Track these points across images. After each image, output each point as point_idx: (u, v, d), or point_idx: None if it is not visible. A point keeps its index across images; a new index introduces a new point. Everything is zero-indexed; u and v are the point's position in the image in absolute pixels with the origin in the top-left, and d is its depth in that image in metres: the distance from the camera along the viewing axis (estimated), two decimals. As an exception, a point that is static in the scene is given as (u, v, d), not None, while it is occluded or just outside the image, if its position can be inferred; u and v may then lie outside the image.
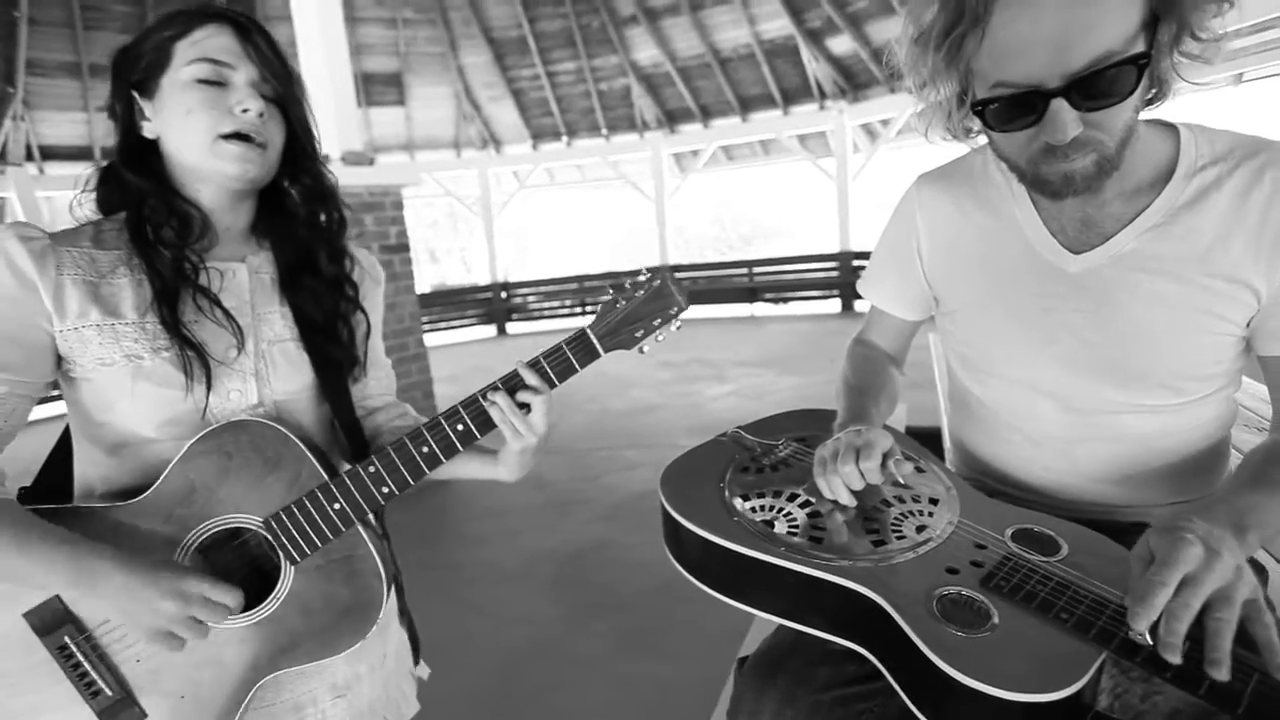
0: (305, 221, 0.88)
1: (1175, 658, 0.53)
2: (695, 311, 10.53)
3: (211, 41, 0.75)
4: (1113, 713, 0.60)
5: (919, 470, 0.88)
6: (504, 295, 10.80)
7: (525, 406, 0.81)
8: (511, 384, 0.81)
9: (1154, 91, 0.72)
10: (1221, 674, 0.52)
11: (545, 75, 9.85)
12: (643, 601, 2.39)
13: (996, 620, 0.63)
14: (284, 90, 0.80)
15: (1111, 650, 0.58)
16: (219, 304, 0.80)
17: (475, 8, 9.37)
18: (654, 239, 10.59)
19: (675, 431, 4.48)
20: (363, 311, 0.94)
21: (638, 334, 0.85)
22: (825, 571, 0.71)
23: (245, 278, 0.85)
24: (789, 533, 0.78)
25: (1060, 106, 0.65)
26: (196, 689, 0.74)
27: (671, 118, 10.14)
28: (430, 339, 10.16)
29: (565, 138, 10.53)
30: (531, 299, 11.07)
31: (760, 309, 10.21)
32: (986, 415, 0.93)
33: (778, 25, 8.79)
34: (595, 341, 0.83)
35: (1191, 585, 0.56)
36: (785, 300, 10.22)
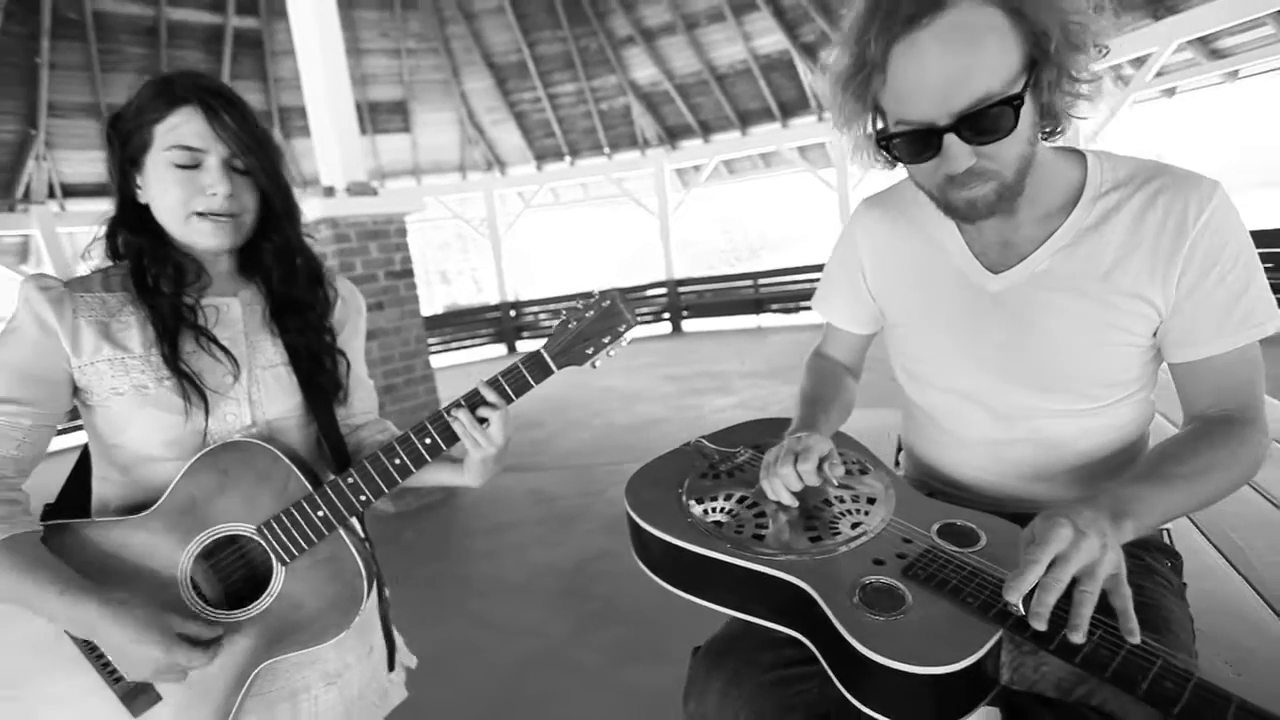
0: (280, 272, 0.98)
1: (1040, 625, 0.60)
2: (701, 324, 10.63)
3: (185, 128, 0.85)
4: (1012, 684, 0.66)
5: (863, 472, 0.96)
6: (513, 314, 10.94)
7: (485, 420, 0.89)
8: (473, 401, 0.89)
9: (1050, 125, 0.79)
10: (1078, 637, 0.59)
11: (546, 97, 10.04)
12: (641, 612, 2.45)
13: (910, 605, 0.70)
14: (253, 161, 0.89)
15: (1007, 628, 0.65)
16: (215, 340, 0.90)
17: (476, 35, 9.59)
18: (659, 253, 10.70)
19: (678, 444, 4.54)
20: (339, 349, 1.03)
21: (588, 351, 0.92)
22: (765, 565, 0.78)
23: (239, 311, 0.95)
24: (736, 531, 0.85)
25: (952, 141, 0.73)
26: (204, 674, 0.84)
27: (672, 134, 10.28)
28: (443, 359, 10.36)
29: (568, 157, 10.70)
30: (541, 317, 11.20)
31: (767, 320, 10.26)
32: (926, 421, 1.00)
33: (772, 41, 8.92)
34: (549, 360, 0.91)
35: (1061, 563, 0.62)
36: (794, 310, 10.27)
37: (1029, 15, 0.69)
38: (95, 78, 7.89)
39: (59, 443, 0.94)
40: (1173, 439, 0.81)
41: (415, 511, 3.85)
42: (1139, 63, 7.39)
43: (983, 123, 0.71)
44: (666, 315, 10.72)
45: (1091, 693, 0.61)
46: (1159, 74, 7.53)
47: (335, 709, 0.98)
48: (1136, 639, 0.61)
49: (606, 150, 10.57)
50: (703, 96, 9.81)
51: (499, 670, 2.26)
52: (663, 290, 10.65)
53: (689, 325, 10.70)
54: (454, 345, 10.57)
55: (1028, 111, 0.73)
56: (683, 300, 10.62)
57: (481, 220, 11.23)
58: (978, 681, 0.65)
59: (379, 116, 9.91)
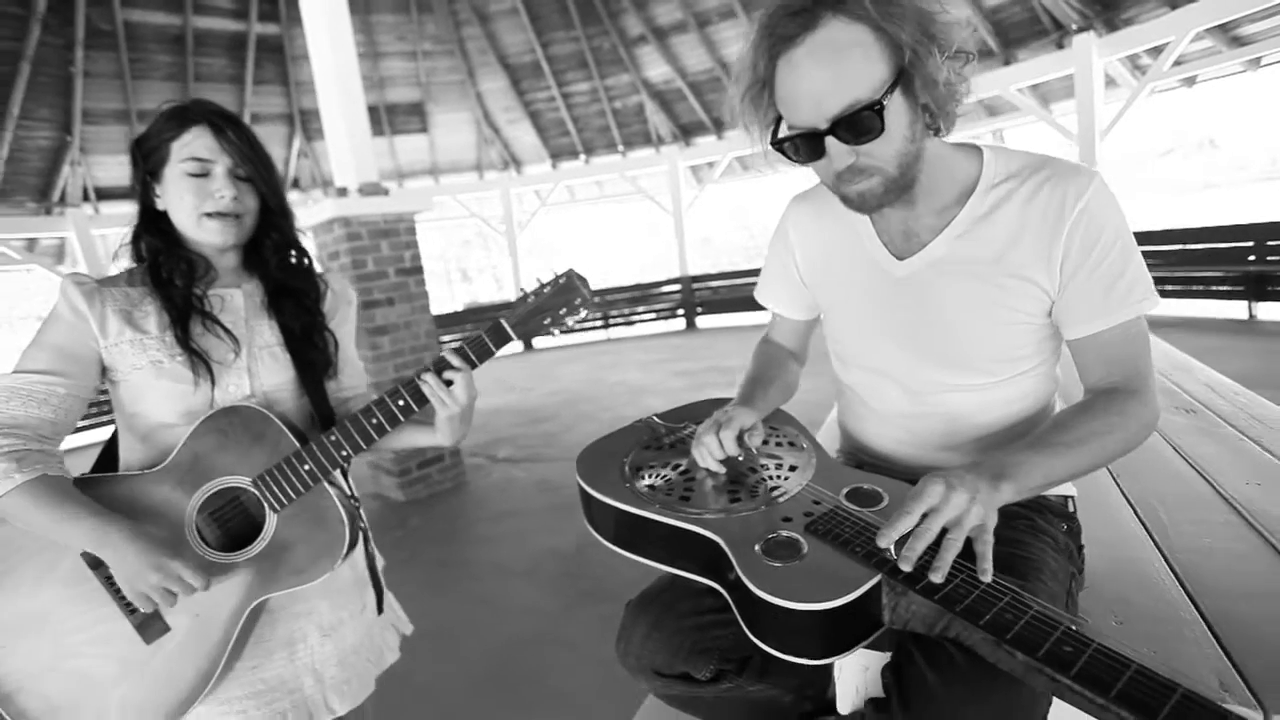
0: (278, 263, 1.14)
1: (907, 567, 0.69)
2: (714, 320, 10.68)
3: (197, 143, 1.01)
4: (892, 624, 0.74)
5: (791, 444, 1.05)
6: (528, 311, 11.08)
7: (451, 383, 1.00)
8: (439, 366, 1.01)
9: (934, 124, 0.87)
10: (937, 577, 0.68)
11: (560, 96, 10.17)
12: (632, 590, 2.55)
13: (805, 554, 0.79)
14: (253, 170, 1.05)
15: (885, 573, 0.74)
16: (219, 323, 1.05)
17: (490, 37, 9.75)
18: (675, 250, 10.78)
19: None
20: (329, 329, 1.17)
21: (545, 322, 1.03)
22: (685, 522, 0.87)
23: (240, 301, 1.10)
24: (666, 494, 0.95)
25: (831, 142, 0.82)
26: (208, 608, 0.97)
27: (686, 131, 10.34)
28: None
29: (583, 156, 10.82)
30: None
31: (780, 315, 10.28)
32: (852, 398, 1.08)
33: (784, 36, 8.94)
34: (508, 329, 1.01)
35: (932, 515, 0.71)
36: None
37: (890, 31, 0.77)
38: (126, 85, 8.19)
39: (86, 438, 1.07)
40: (1064, 410, 0.89)
41: (425, 499, 4.00)
42: (1156, 52, 7.29)
43: (854, 126, 0.80)
44: (681, 311, 10.80)
45: (949, 626, 0.69)
46: (1177, 63, 7.42)
47: (330, 659, 1.10)
48: (988, 579, 0.69)
49: (621, 148, 10.67)
50: (716, 93, 9.85)
51: (495, 645, 2.38)
52: (677, 286, 10.73)
53: (703, 321, 10.76)
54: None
55: (899, 114, 0.81)
56: (697, 296, 10.69)
57: (499, 219, 11.40)
58: (859, 620, 0.74)
59: (397, 118, 10.12)
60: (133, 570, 0.90)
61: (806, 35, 0.79)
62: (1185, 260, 7.24)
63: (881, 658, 0.87)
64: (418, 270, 4.10)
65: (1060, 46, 7.66)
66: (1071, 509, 0.99)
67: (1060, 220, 0.85)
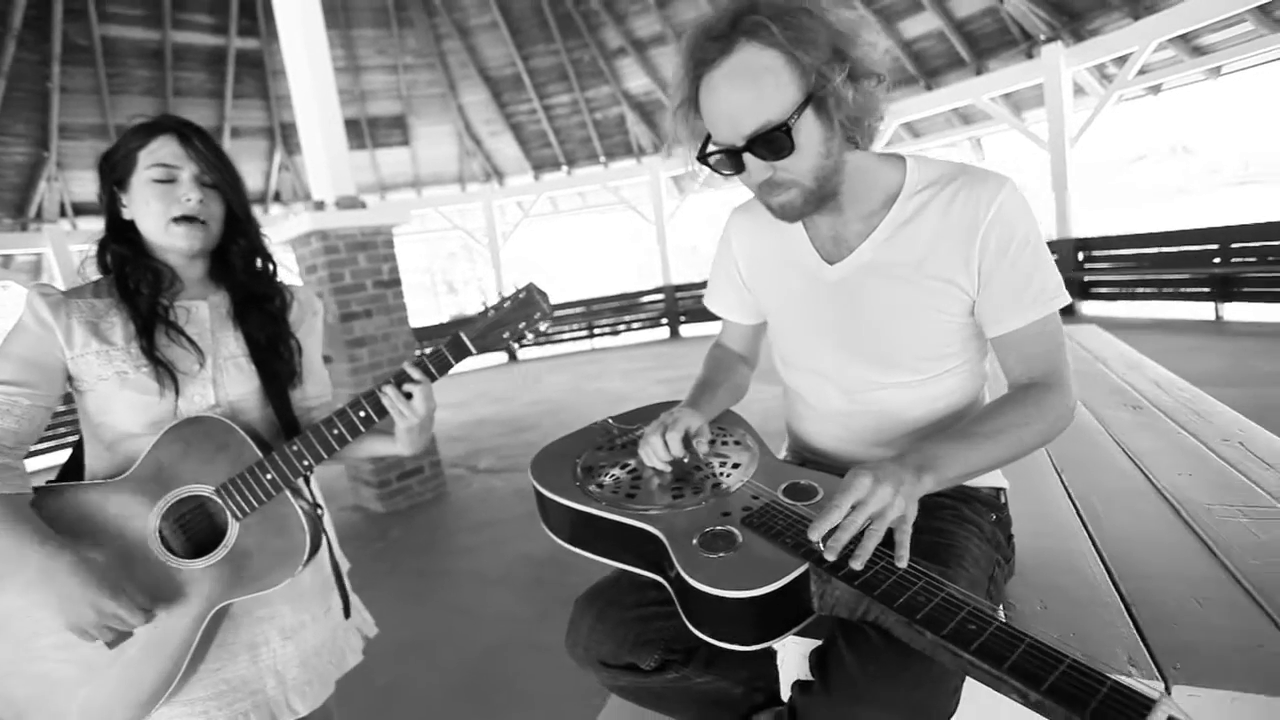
0: (244, 270, 1.16)
1: (831, 556, 0.73)
2: (698, 329, 10.76)
3: (163, 150, 1.03)
4: (820, 611, 0.78)
5: (737, 443, 1.09)
6: (512, 321, 11.10)
7: (410, 395, 1.03)
8: (399, 378, 1.03)
9: (853, 138, 0.92)
10: (857, 565, 0.72)
11: (542, 109, 10.25)
12: (610, 596, 2.58)
13: (739, 546, 0.83)
14: (219, 177, 1.07)
15: (812, 563, 0.78)
16: (184, 334, 1.07)
17: (471, 50, 9.83)
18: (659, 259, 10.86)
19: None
20: (294, 337, 1.19)
21: (504, 335, 1.06)
22: (629, 517, 0.91)
23: (206, 312, 1.12)
24: (613, 492, 0.99)
25: (748, 158, 0.87)
26: (168, 614, 0.98)
27: (667, 141, 10.45)
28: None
29: (565, 167, 10.90)
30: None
31: (762, 322, 10.38)
32: (794, 399, 1.13)
33: (761, 48, 9.09)
34: (468, 343, 1.04)
35: (859, 508, 0.75)
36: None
37: (800, 57, 0.82)
38: (104, 100, 8.17)
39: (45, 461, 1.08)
40: (987, 404, 0.94)
41: (405, 510, 4.01)
42: (1121, 61, 7.48)
43: (768, 144, 0.85)
44: (665, 320, 10.86)
45: (869, 610, 0.74)
46: (1142, 71, 7.62)
47: (292, 661, 1.12)
48: (904, 565, 0.74)
49: (602, 159, 10.76)
50: (695, 104, 9.98)
51: (472, 651, 2.39)
52: (660, 296, 10.79)
53: (687, 330, 10.83)
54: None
55: (811, 132, 0.86)
56: (680, 305, 10.76)
57: (482, 230, 11.43)
58: (788, 607, 0.78)
59: (379, 131, 10.16)
60: (73, 608, 0.91)
61: (724, 59, 0.84)
62: (1155, 263, 7.40)
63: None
64: (396, 283, 4.12)
65: (1030, 56, 7.84)
66: (1002, 500, 1.04)
67: (975, 225, 0.90)
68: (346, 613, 1.21)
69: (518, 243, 12.15)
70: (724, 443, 1.09)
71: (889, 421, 1.01)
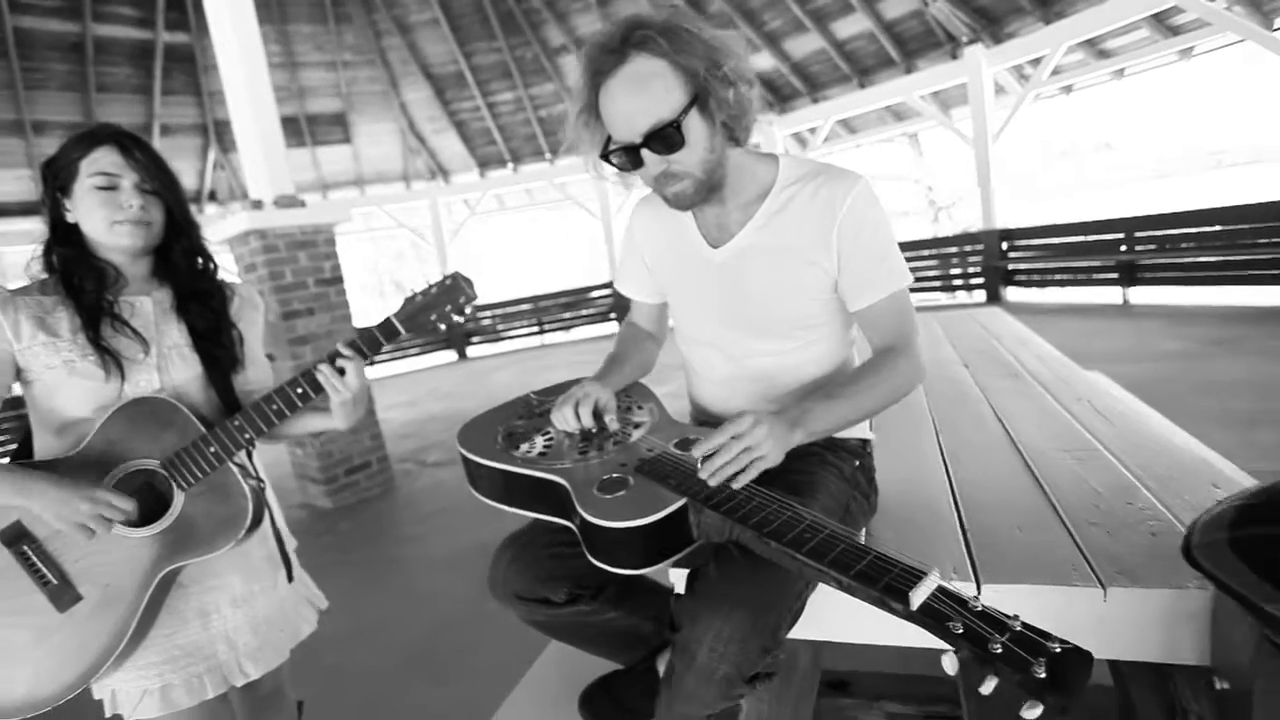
0: (186, 268, 1.24)
1: (705, 475, 0.89)
2: (648, 322, 10.90)
3: (104, 159, 1.11)
4: (698, 539, 0.93)
5: (640, 408, 1.23)
6: (461, 319, 11.05)
7: (344, 371, 1.13)
8: (333, 356, 1.13)
9: (734, 136, 1.07)
10: (713, 482, 0.88)
11: (485, 106, 10.24)
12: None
13: (631, 487, 0.97)
14: (158, 185, 1.15)
15: (689, 497, 0.92)
16: (128, 325, 1.15)
17: (412, 47, 9.74)
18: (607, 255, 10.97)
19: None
20: (236, 327, 1.28)
21: (432, 318, 1.16)
22: (541, 471, 1.05)
23: (150, 306, 1.20)
24: (527, 452, 1.12)
25: (645, 154, 1.01)
26: (117, 578, 1.06)
27: (611, 139, 10.57)
28: (394, 367, 10.44)
29: (511, 164, 10.91)
30: (489, 322, 11.36)
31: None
32: (691, 368, 1.29)
33: (701, 47, 9.29)
34: (397, 324, 1.15)
35: (737, 440, 0.90)
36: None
37: (684, 64, 0.97)
38: (19, 95, 7.80)
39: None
40: (857, 367, 1.11)
41: (354, 505, 4.04)
42: (1036, 63, 7.96)
43: (661, 140, 0.99)
44: (613, 315, 10.99)
45: (732, 531, 0.88)
46: (1055, 72, 8.13)
47: (243, 628, 1.21)
48: (740, 485, 0.89)
49: (548, 156, 10.81)
50: (638, 102, 10.12)
51: (423, 630, 2.49)
52: (607, 291, 10.91)
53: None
54: (398, 354, 10.67)
55: (698, 129, 1.00)
56: (627, 299, 10.88)
57: (429, 228, 11.34)
58: (670, 535, 0.92)
59: (319, 128, 9.97)
60: (64, 504, 0.99)
61: (619, 68, 0.98)
62: (1069, 252, 7.90)
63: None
64: (338, 280, 4.14)
65: (954, 57, 8.27)
66: (867, 450, 1.22)
67: (834, 215, 1.07)
68: (289, 577, 1.30)
69: (465, 241, 12.09)
70: (628, 409, 1.24)
71: (769, 384, 1.17)
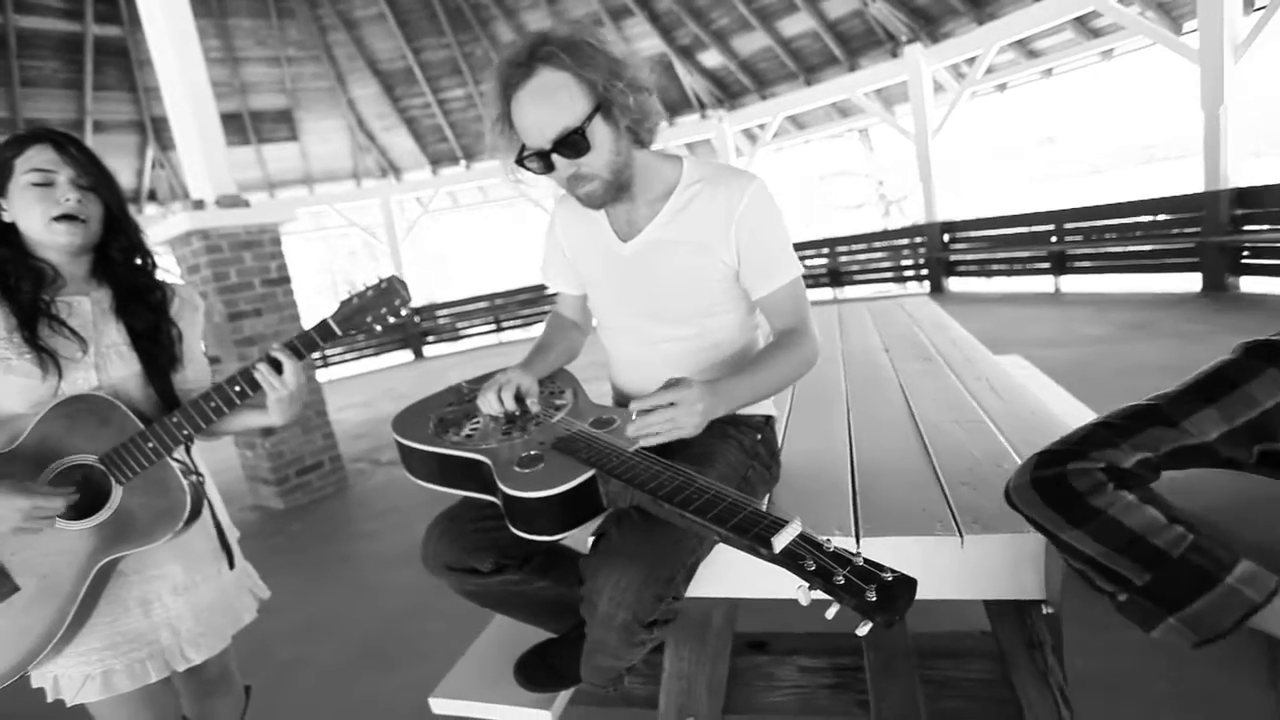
0: (125, 265, 1.26)
1: (632, 432, 0.99)
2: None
3: (39, 156, 1.13)
4: (608, 507, 1.03)
5: (562, 393, 1.33)
6: (416, 319, 10.96)
7: (281, 370, 1.18)
8: (271, 357, 1.18)
9: (638, 139, 1.17)
10: (644, 442, 0.98)
11: (436, 103, 10.15)
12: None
13: (546, 462, 1.06)
14: (94, 180, 1.18)
15: (598, 469, 1.02)
16: (65, 324, 1.17)
17: (358, 43, 9.60)
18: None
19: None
20: (176, 326, 1.31)
21: (368, 320, 1.22)
22: (467, 452, 1.13)
23: (88, 306, 1.22)
24: (455, 434, 1.21)
25: (555, 158, 1.10)
26: (55, 569, 1.10)
27: (565, 135, 10.60)
28: (350, 368, 10.29)
29: (464, 161, 10.84)
30: (445, 320, 11.29)
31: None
32: (609, 355, 1.39)
33: (650, 44, 9.40)
34: (334, 326, 1.21)
35: (674, 405, 0.99)
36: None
37: (586, 76, 1.06)
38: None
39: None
40: (762, 348, 1.22)
41: (306, 505, 4.04)
42: (972, 62, 8.30)
43: (568, 145, 1.08)
44: (571, 311, 11.03)
45: (633, 497, 0.99)
46: (989, 71, 8.49)
47: (185, 615, 1.25)
48: (651, 444, 1.00)
49: (501, 153, 10.76)
50: (591, 98, 10.18)
51: (373, 622, 2.54)
52: (566, 287, 10.95)
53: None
54: (353, 355, 10.53)
55: (603, 134, 1.10)
56: (586, 296, 10.94)
57: (381, 227, 11.19)
58: (580, 503, 1.02)
59: (263, 125, 9.75)
60: (2, 509, 1.02)
61: (527, 81, 1.07)
62: (1005, 243, 8.28)
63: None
64: (285, 281, 4.12)
65: (895, 55, 8.55)
66: (770, 425, 1.34)
67: (731, 212, 1.17)
68: (231, 564, 1.35)
69: (419, 239, 11.97)
70: (551, 393, 1.33)
71: (679, 366, 1.27)
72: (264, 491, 4.11)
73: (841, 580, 0.74)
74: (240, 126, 9.47)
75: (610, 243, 1.27)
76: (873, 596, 0.71)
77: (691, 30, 9.07)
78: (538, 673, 1.34)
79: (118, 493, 1.14)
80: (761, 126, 10.17)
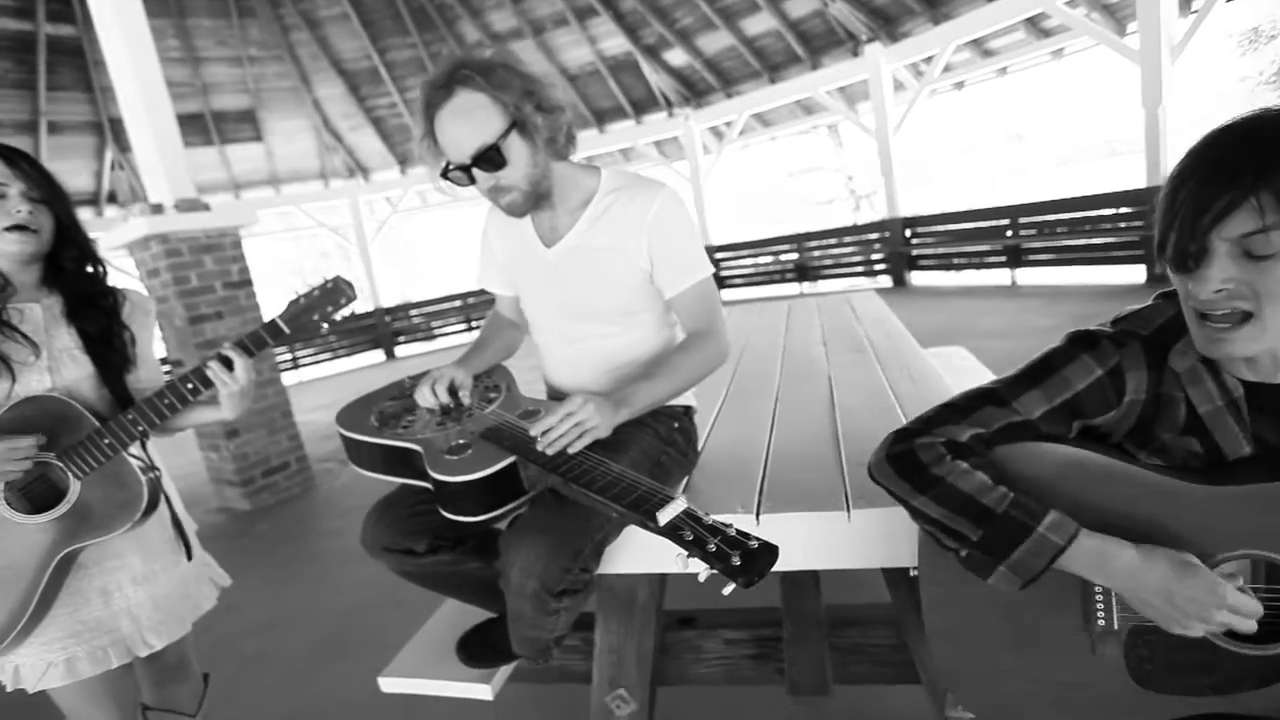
0: (76, 274, 1.32)
1: (541, 447, 1.07)
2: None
3: None
4: (529, 489, 1.13)
5: (497, 389, 1.43)
6: (387, 320, 10.94)
7: (231, 367, 1.24)
8: (221, 355, 1.25)
9: (557, 152, 1.27)
10: (550, 450, 1.07)
11: (403, 102, 10.11)
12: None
13: (473, 450, 1.16)
14: (45, 193, 1.24)
15: (519, 455, 1.12)
16: (17, 330, 1.23)
17: (322, 42, 9.52)
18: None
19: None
20: (128, 329, 1.37)
21: (315, 318, 1.30)
22: (402, 441, 1.23)
23: (39, 313, 1.28)
24: (392, 426, 1.30)
25: (476, 172, 1.20)
26: (16, 561, 1.16)
27: (534, 134, 10.62)
28: (321, 369, 10.24)
29: (433, 160, 10.79)
30: (417, 320, 11.27)
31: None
32: (540, 352, 1.49)
33: (616, 43, 9.48)
34: (282, 325, 1.28)
35: (569, 416, 1.09)
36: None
37: (500, 98, 1.16)
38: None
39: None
40: (671, 350, 1.33)
41: (272, 506, 4.07)
42: (930, 61, 8.51)
43: (486, 160, 1.18)
44: (543, 309, 11.08)
45: (549, 481, 1.09)
46: (947, 69, 8.71)
47: (145, 604, 1.31)
48: (574, 451, 1.10)
49: (470, 152, 10.76)
50: (558, 97, 10.22)
51: (335, 616, 2.61)
52: (537, 285, 10.99)
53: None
54: (325, 356, 10.48)
55: (519, 150, 1.19)
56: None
57: (352, 228, 11.12)
58: (503, 487, 1.12)
59: (226, 126, 9.63)
60: None
61: (446, 102, 1.16)
62: (965, 237, 8.52)
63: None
64: (247, 284, 4.14)
65: (855, 54, 8.72)
66: (689, 415, 1.45)
67: (643, 219, 1.28)
68: (189, 556, 1.42)
69: (391, 239, 11.91)
70: (486, 387, 1.43)
71: (601, 361, 1.38)
72: (229, 493, 4.14)
73: (713, 548, 0.84)
74: (203, 127, 9.35)
75: (536, 248, 1.37)
76: (737, 561, 0.82)
77: (656, 29, 9.16)
78: (478, 650, 1.43)
79: (75, 487, 1.19)
80: (728, 124, 10.30)
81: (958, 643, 0.97)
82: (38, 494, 1.23)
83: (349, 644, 2.42)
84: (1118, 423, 0.90)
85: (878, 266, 9.45)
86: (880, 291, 8.85)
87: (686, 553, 0.87)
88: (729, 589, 0.82)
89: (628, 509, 0.94)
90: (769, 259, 10.60)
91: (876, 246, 9.41)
